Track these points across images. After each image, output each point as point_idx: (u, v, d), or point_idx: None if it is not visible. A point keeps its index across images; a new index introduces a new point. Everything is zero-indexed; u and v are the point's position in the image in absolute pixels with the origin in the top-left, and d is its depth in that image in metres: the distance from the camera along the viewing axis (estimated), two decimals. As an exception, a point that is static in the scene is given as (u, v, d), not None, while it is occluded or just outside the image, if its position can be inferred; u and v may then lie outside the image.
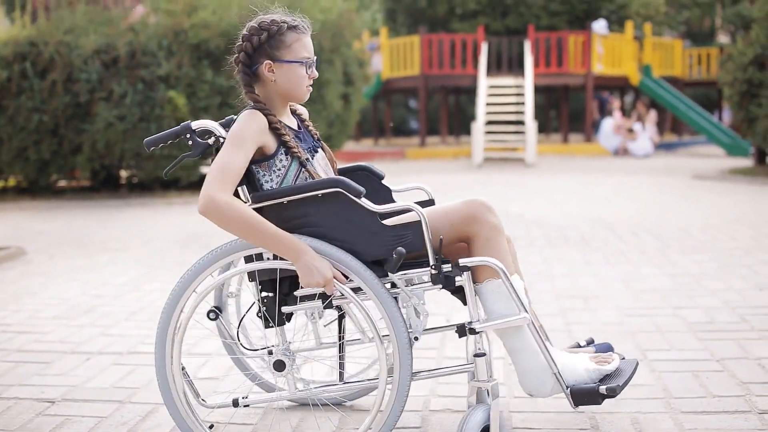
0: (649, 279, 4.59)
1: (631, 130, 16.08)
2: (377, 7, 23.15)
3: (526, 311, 2.26)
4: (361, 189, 2.21)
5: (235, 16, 9.32)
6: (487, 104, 15.40)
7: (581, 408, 2.45)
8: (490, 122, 15.43)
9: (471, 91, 19.56)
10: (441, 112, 18.73)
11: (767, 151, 11.55)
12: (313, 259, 2.17)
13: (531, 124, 14.04)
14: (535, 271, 4.86)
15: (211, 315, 2.46)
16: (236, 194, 2.23)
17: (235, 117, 2.35)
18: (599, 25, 17.24)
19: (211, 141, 2.38)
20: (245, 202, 2.23)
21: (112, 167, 9.63)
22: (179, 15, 9.41)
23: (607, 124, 16.27)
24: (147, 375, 3.11)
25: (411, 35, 17.99)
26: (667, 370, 3.01)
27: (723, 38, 26.32)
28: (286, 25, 2.31)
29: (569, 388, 2.28)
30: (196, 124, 2.37)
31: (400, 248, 2.18)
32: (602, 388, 2.25)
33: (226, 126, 2.41)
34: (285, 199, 2.24)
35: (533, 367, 2.30)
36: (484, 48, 16.06)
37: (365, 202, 2.21)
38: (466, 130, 21.12)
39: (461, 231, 2.33)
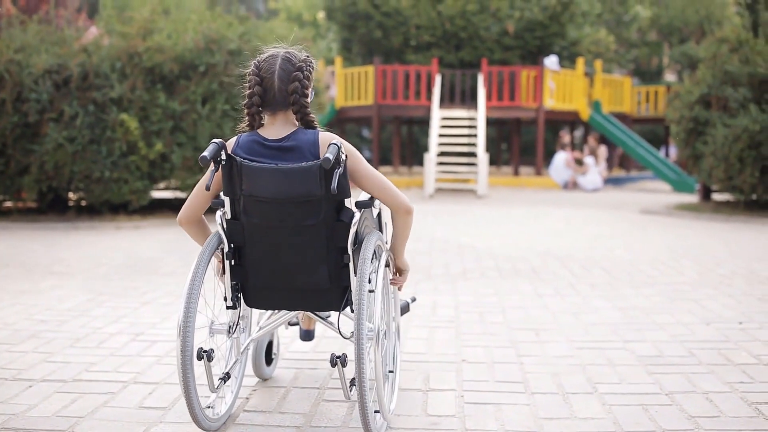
0: (599, 312, 4.63)
1: (581, 163, 16.33)
2: (333, 36, 23.28)
3: None
4: None
5: (190, 41, 9.28)
6: (440, 135, 15.53)
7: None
8: (442, 153, 15.55)
9: (424, 122, 19.70)
10: (394, 142, 18.82)
11: (712, 188, 11.81)
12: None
13: (483, 156, 14.17)
14: (487, 303, 4.88)
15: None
16: (341, 206, 2.63)
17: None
18: (551, 61, 17.54)
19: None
20: (351, 216, 2.63)
21: (60, 189, 9.45)
22: (134, 38, 9.33)
23: (559, 158, 16.51)
24: (92, 403, 3.03)
25: (365, 65, 18.09)
26: (617, 404, 3.03)
27: (670, 77, 27.04)
28: None
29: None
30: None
31: None
32: (409, 300, 3.42)
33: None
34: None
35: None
36: (437, 80, 16.22)
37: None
38: (418, 161, 21.26)
39: None
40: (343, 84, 17.54)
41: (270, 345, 3.31)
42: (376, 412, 2.57)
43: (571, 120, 18.71)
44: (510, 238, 7.96)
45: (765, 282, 5.60)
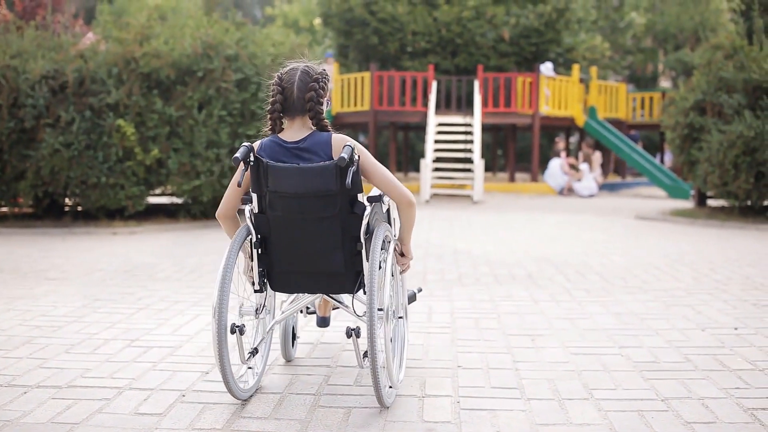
0: (595, 318, 4.64)
1: (577, 169, 16.35)
2: (329, 42, 23.31)
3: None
4: None
5: (187, 47, 9.28)
6: (436, 141, 15.54)
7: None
8: (438, 159, 15.56)
9: (420, 128, 19.73)
10: (390, 147, 18.80)
11: (707, 194, 11.83)
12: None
13: (478, 162, 14.18)
14: (483, 309, 4.88)
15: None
16: (354, 200, 2.99)
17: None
18: (546, 67, 17.58)
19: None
20: (364, 209, 3.00)
21: (56, 195, 9.44)
22: (131, 43, 9.34)
23: (555, 164, 16.53)
24: (87, 410, 3.02)
25: (362, 71, 18.10)
26: (613, 410, 3.04)
27: (665, 83, 27.12)
28: None
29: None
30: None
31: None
32: (415, 290, 3.76)
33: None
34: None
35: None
36: (433, 86, 16.23)
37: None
38: (414, 167, 21.26)
39: None
40: (340, 90, 17.55)
41: (293, 328, 3.67)
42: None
43: (567, 126, 18.74)
44: (505, 244, 7.97)
45: (760, 287, 5.61)
